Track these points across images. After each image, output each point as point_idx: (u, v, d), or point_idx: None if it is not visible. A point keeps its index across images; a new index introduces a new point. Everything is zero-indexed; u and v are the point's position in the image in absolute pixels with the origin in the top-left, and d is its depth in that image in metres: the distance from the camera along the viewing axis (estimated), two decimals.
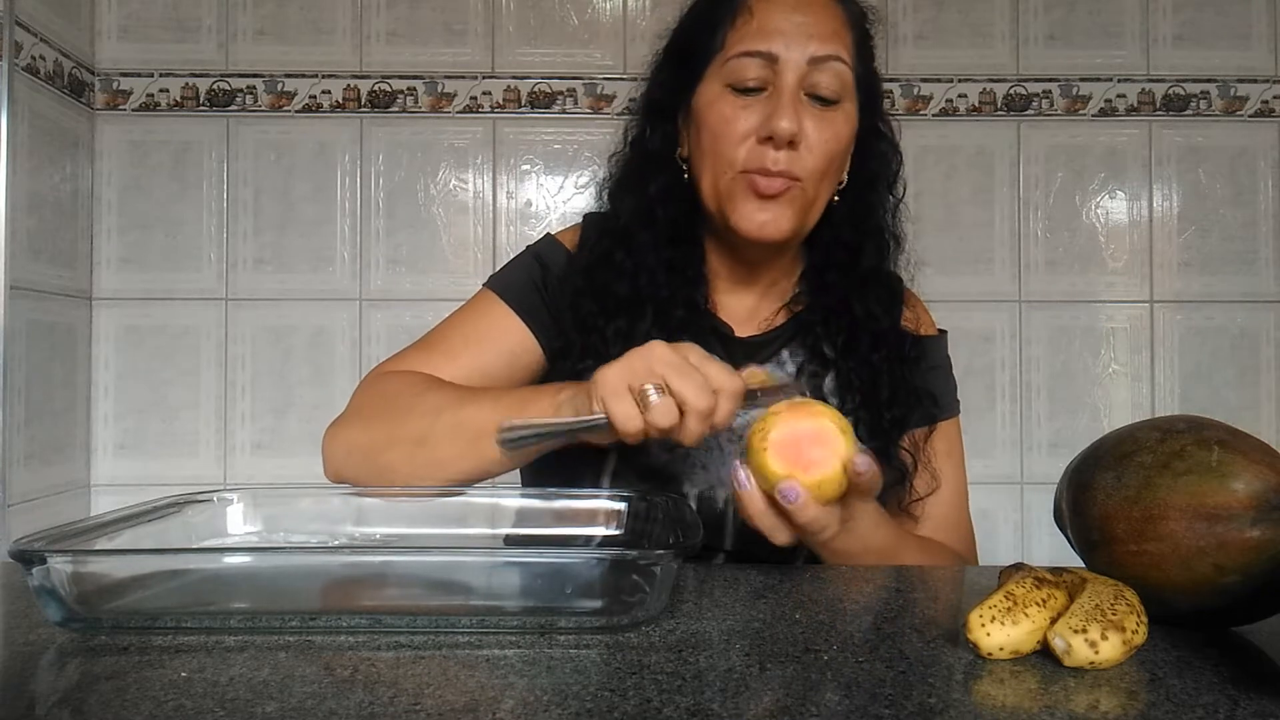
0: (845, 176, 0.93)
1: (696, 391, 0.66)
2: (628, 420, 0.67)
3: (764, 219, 0.87)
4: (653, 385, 0.66)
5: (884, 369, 0.92)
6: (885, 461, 0.91)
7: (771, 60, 0.85)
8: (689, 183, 0.93)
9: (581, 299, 0.92)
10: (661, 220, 0.93)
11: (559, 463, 0.85)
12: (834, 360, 0.93)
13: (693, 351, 0.69)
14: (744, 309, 0.97)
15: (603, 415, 0.68)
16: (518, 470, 0.95)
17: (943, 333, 1.03)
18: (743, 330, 0.96)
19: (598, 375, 0.69)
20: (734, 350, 0.93)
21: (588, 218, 1.00)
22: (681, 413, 0.67)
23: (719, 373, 0.68)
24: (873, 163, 0.95)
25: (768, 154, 0.85)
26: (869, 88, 0.93)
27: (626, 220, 0.94)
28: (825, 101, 0.87)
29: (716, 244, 0.96)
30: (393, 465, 0.81)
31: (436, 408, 0.81)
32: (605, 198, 0.99)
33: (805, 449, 0.64)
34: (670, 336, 0.87)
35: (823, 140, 0.86)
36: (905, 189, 0.98)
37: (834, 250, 0.95)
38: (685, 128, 0.93)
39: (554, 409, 0.75)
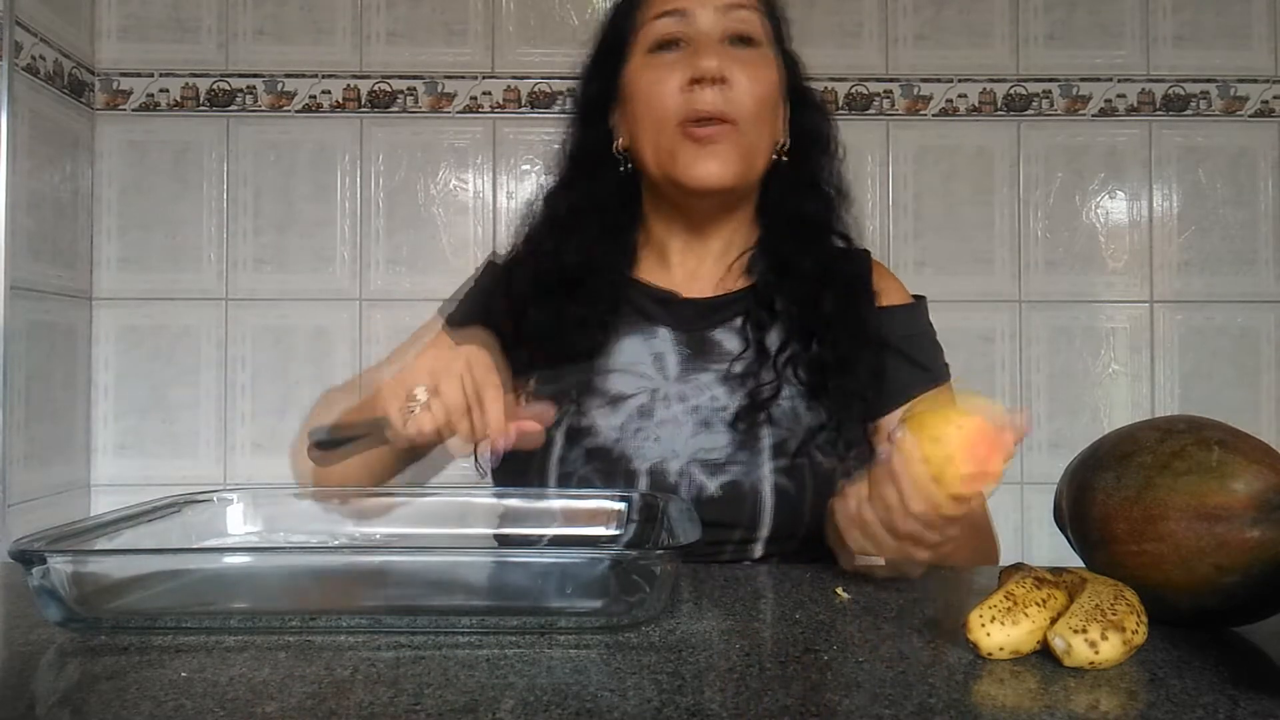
0: (786, 138, 0.96)
1: (452, 392, 0.73)
2: (399, 421, 0.73)
3: (707, 165, 0.88)
4: (422, 388, 0.73)
5: (839, 323, 0.92)
6: (838, 428, 0.90)
7: (684, 16, 0.90)
8: (630, 173, 0.96)
9: (507, 287, 0.97)
10: (595, 213, 0.96)
11: (510, 452, 0.86)
12: (785, 315, 0.94)
13: (468, 359, 0.74)
14: (697, 274, 0.98)
15: (383, 415, 0.74)
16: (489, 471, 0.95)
17: (919, 299, 1.01)
18: (692, 292, 0.97)
19: (379, 383, 0.76)
20: (682, 312, 0.95)
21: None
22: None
23: (482, 375, 0.73)
24: (806, 123, 0.99)
25: (697, 96, 0.87)
26: (784, 47, 0.97)
27: (564, 216, 0.98)
28: (744, 42, 0.91)
29: (667, 213, 0.97)
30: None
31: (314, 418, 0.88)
32: (541, 201, 1.02)
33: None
34: (599, 312, 0.93)
35: (749, 80, 0.89)
36: (845, 152, 1.01)
37: (783, 208, 0.98)
38: (620, 116, 0.96)
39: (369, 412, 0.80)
